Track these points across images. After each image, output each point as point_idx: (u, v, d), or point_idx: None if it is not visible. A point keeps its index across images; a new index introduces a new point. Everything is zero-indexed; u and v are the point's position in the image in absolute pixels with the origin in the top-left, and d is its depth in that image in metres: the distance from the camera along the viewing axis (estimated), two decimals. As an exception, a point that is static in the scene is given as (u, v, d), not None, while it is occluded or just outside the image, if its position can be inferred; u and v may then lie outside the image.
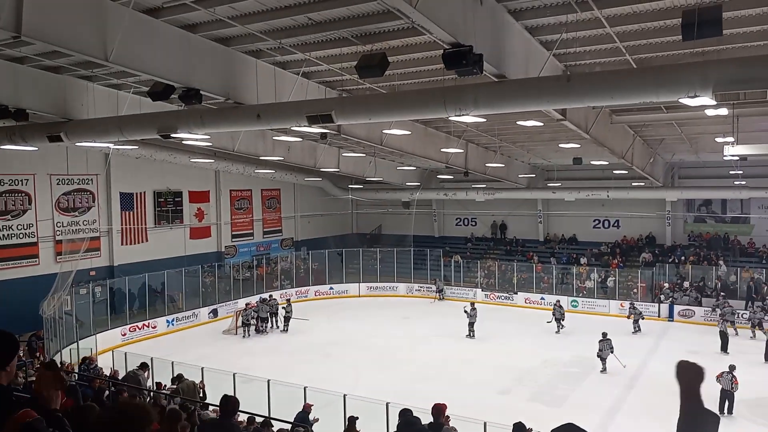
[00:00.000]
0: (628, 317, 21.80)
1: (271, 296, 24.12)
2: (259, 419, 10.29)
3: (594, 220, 31.39)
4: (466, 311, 21.44)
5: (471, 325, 21.29)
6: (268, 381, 13.21)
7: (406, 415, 8.89)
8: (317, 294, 29.36)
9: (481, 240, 34.63)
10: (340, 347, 20.28)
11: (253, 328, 22.32)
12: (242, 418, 10.32)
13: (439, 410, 7.18)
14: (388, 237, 36.09)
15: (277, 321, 22.63)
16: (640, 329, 21.19)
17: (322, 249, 31.52)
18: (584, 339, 20.89)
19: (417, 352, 19.57)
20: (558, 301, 22.73)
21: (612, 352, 17.63)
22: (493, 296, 27.86)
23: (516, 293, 27.65)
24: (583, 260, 29.35)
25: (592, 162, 23.85)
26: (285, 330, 21.65)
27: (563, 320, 21.76)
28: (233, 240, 30.11)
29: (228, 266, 28.42)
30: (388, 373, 17.42)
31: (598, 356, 17.56)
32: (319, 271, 31.23)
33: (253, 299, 25.90)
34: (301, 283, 29.97)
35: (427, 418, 8.59)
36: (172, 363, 14.42)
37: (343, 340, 21.11)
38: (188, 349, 19.85)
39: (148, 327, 22.11)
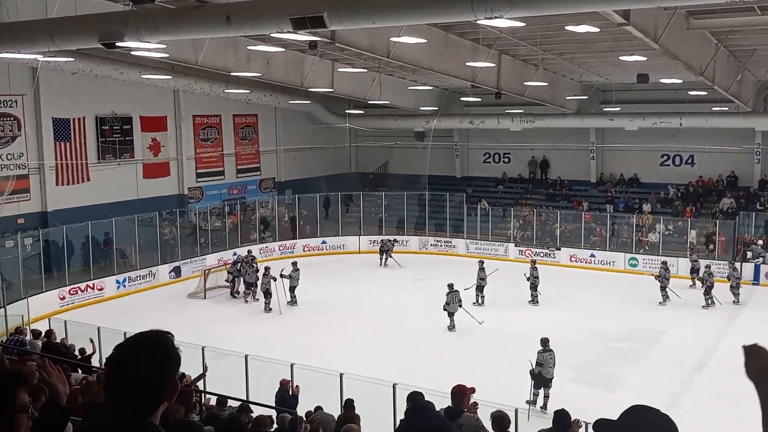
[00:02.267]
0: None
1: (249, 252, 24.35)
2: (234, 403, 10.56)
3: (662, 156, 31.24)
4: (525, 275, 21.58)
5: (533, 287, 21.59)
6: (246, 356, 13.49)
7: (416, 398, 9.08)
8: (306, 249, 29.67)
9: (515, 181, 34.63)
10: (335, 316, 20.59)
11: (235, 290, 22.78)
12: (212, 401, 10.60)
13: (460, 393, 7.31)
14: (396, 178, 36.16)
15: (255, 289, 22.63)
16: (713, 301, 21.04)
17: (311, 192, 31.63)
18: (644, 308, 21.22)
19: (431, 321, 19.83)
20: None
21: (461, 306, 18.53)
22: (530, 253, 28.07)
23: (559, 249, 27.84)
24: (646, 207, 29.42)
25: (662, 80, 23.51)
26: (293, 302, 21.65)
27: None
28: (199, 180, 30.22)
29: (193, 213, 28.58)
30: (395, 347, 17.75)
31: (445, 310, 18.69)
32: (308, 220, 31.45)
33: (225, 256, 26.21)
34: (286, 235, 30.24)
35: (442, 403, 8.82)
36: (125, 334, 14.71)
37: (338, 306, 21.44)
38: (144, 317, 20.19)
39: (92, 289, 22.44)
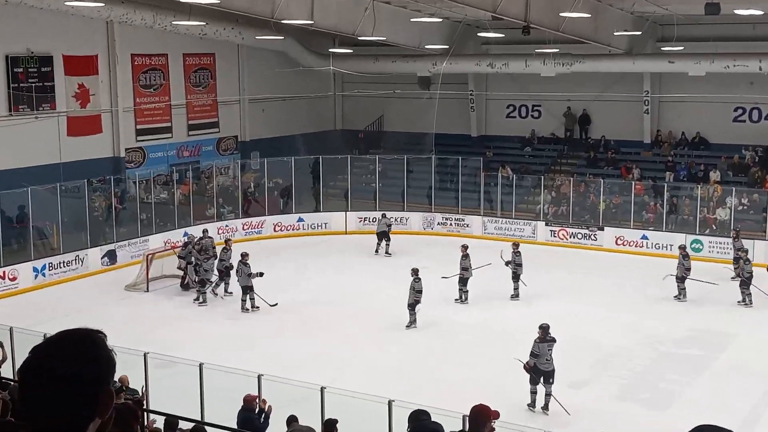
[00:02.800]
0: (735, 266, 21.92)
1: (205, 232, 24.28)
2: (185, 424, 10.54)
3: (735, 110, 31.13)
4: (503, 258, 21.86)
5: (515, 277, 21.75)
6: (201, 365, 13.49)
7: (420, 419, 9.08)
8: (278, 229, 29.63)
9: (547, 142, 34.53)
10: (316, 314, 20.60)
11: (187, 280, 22.81)
12: (159, 423, 10.57)
13: (481, 416, 7.22)
14: (393, 137, 36.05)
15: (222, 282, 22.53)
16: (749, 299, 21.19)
17: (285, 156, 31.48)
18: (709, 306, 21.24)
19: (437, 320, 19.92)
20: (682, 247, 22.62)
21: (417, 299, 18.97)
22: (565, 233, 27.99)
23: (602, 229, 27.81)
24: (714, 175, 29.40)
25: (737, 11, 23.30)
26: (218, 295, 22.11)
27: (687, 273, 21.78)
28: (139, 139, 30.08)
29: (131, 182, 28.43)
30: (392, 355, 17.82)
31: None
32: (280, 191, 31.35)
33: (174, 237, 26.13)
34: (252, 210, 30.13)
35: (452, 425, 8.77)
36: (44, 336, 14.63)
37: (320, 302, 21.43)
38: (69, 314, 20.11)
39: (2, 279, 22.40)
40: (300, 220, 30.14)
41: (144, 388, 13.05)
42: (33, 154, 25.91)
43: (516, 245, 22.44)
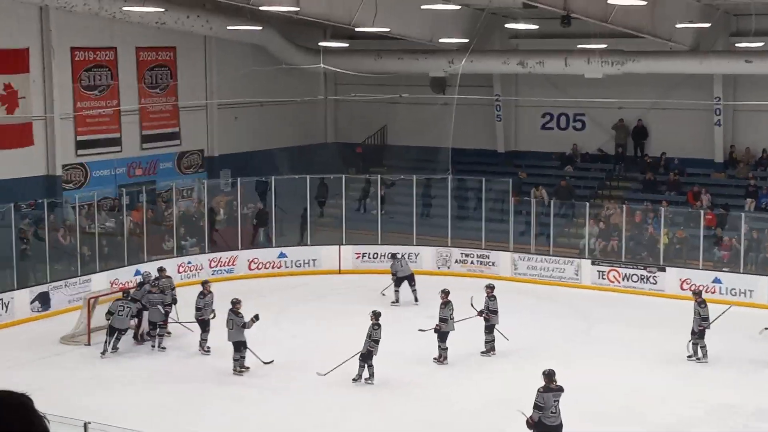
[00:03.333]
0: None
1: (162, 271, 24.34)
2: None
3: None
4: (474, 306, 22.08)
5: (489, 329, 21.95)
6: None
7: None
8: (254, 266, 29.68)
9: (593, 160, 34.56)
10: (300, 373, 20.68)
11: (116, 339, 22.67)
12: None
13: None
14: (400, 153, 36.15)
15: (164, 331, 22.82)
16: None
17: (263, 175, 31.60)
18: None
19: (454, 383, 19.99)
20: (697, 293, 22.52)
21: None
22: (616, 275, 28.04)
23: (663, 269, 27.82)
24: (802, 204, 29.52)
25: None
26: (206, 350, 22.27)
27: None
28: (80, 153, 30.23)
29: (70, 207, 28.44)
30: (394, 423, 17.85)
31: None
32: (254, 216, 31.36)
33: (123, 277, 26.13)
34: (222, 243, 30.19)
35: None
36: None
37: (305, 359, 21.45)
38: (-9, 372, 20.18)
39: None
40: (282, 255, 30.12)
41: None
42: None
43: (491, 288, 22.61)
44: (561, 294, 27.21)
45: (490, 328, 21.96)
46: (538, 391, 15.22)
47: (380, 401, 19.43)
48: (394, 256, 27.57)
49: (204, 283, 23.03)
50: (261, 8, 24.28)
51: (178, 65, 33.07)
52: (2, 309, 24.09)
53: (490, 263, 29.82)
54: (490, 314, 21.96)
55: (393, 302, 26.27)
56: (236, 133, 34.84)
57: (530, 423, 15.09)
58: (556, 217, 30.38)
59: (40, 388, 18.08)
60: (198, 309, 22.21)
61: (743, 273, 27.06)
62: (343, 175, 32.61)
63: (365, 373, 19.94)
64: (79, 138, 30.13)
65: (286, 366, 21.36)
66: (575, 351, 21.80)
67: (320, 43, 33.01)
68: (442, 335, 21.57)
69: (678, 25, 28.05)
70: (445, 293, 22.17)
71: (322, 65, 32.42)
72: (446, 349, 21.53)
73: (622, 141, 34.30)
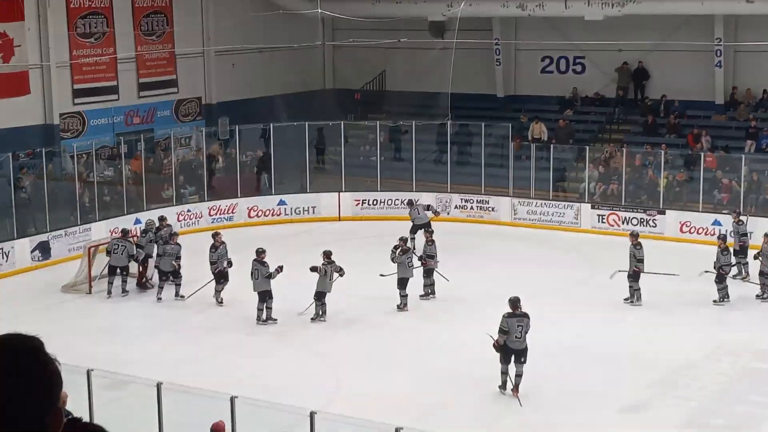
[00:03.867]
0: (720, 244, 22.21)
1: (163, 220, 24.29)
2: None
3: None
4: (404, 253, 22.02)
5: (428, 273, 22.09)
6: (158, 385, 13.51)
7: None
8: (254, 214, 29.70)
9: (593, 103, 34.44)
10: (302, 322, 20.75)
11: (123, 281, 22.79)
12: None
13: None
14: (398, 98, 35.99)
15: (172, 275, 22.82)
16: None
17: (262, 122, 31.48)
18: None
19: (453, 329, 20.04)
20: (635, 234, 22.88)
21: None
22: (616, 218, 28.05)
23: (663, 212, 27.83)
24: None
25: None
26: (219, 302, 22.10)
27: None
28: (77, 102, 30.12)
29: (68, 156, 28.39)
30: (400, 373, 17.92)
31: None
32: (256, 164, 31.32)
33: (122, 225, 26.17)
34: (221, 191, 30.12)
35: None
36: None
37: (306, 308, 21.45)
38: (-7, 321, 20.22)
39: None
40: (281, 203, 30.15)
41: (88, 414, 13.07)
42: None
43: (429, 232, 22.88)
44: (561, 238, 27.18)
45: (429, 272, 22.16)
46: (503, 316, 16.46)
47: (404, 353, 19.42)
48: (411, 202, 27.29)
49: (215, 235, 22.67)
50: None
51: (175, 12, 32.82)
52: (2, 258, 24.21)
53: (490, 208, 29.87)
54: (427, 259, 22.10)
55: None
56: (234, 80, 34.61)
57: (496, 345, 16.41)
58: (555, 160, 30.30)
59: (43, 336, 18.13)
60: (212, 262, 21.99)
61: (743, 215, 27.01)
62: (342, 122, 32.50)
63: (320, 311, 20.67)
64: (75, 86, 30.01)
65: (312, 310, 21.43)
66: (576, 295, 21.83)
67: (318, -12, 32.72)
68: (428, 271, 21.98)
69: (679, -35, 27.76)
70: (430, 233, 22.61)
71: (319, 10, 32.09)
72: (406, 295, 21.59)
73: (624, 84, 34.06)
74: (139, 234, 24.01)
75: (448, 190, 30.55)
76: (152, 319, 21.33)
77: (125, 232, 23.54)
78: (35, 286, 23.31)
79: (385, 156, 32.47)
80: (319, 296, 20.58)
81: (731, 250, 22.42)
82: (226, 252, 22.04)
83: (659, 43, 32.60)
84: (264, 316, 20.66)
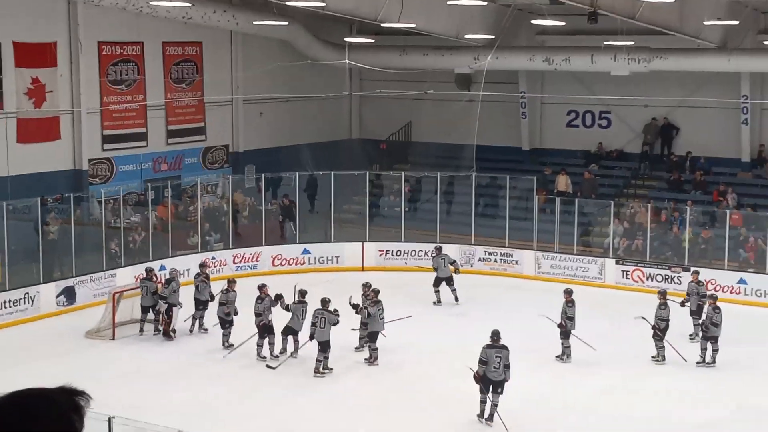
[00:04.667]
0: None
1: (203, 266, 24.44)
2: None
3: None
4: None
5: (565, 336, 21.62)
6: (178, 434, 13.54)
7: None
8: (277, 262, 29.72)
9: (619, 158, 34.45)
10: (327, 372, 20.68)
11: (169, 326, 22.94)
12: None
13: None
14: (425, 149, 36.06)
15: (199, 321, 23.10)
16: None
17: (288, 171, 31.60)
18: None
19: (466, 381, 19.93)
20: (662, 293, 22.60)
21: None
22: (640, 275, 27.87)
23: (688, 269, 27.63)
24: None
25: None
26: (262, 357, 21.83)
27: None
28: (107, 148, 30.31)
29: (96, 202, 28.53)
30: (421, 421, 17.89)
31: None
32: (282, 211, 31.35)
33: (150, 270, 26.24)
34: (245, 239, 30.22)
35: None
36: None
37: (334, 358, 21.35)
38: (15, 365, 20.24)
39: (-66, 320, 22.51)
40: (305, 252, 30.12)
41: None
42: (-27, 165, 26.15)
43: (568, 293, 22.18)
44: (585, 293, 27.07)
45: (566, 334, 21.63)
46: (483, 347, 17.40)
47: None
48: (439, 249, 27.01)
49: (230, 282, 22.67)
50: (287, 3, 24.29)
51: (204, 60, 33.15)
52: (28, 303, 24.18)
53: (514, 261, 29.73)
54: (566, 321, 21.57)
55: (434, 302, 26.21)
56: (261, 128, 34.88)
57: (476, 377, 17.32)
58: (580, 214, 30.23)
59: (65, 382, 18.18)
60: (221, 304, 22.09)
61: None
62: (367, 172, 32.58)
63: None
64: (105, 132, 30.22)
65: (343, 360, 21.43)
66: (600, 351, 21.66)
67: (346, 39, 32.97)
68: (564, 335, 21.45)
69: (706, 23, 27.87)
70: (568, 293, 21.97)
71: (347, 61, 32.37)
72: (376, 349, 21.27)
73: (651, 140, 34.08)
74: (163, 282, 23.92)
75: (472, 242, 30.47)
76: (174, 366, 21.25)
77: (148, 271, 23.77)
78: (59, 331, 23.27)
79: (410, 206, 32.50)
80: (373, 337, 20.79)
81: (687, 309, 22.47)
82: (270, 304, 21.68)
83: (685, 99, 32.68)
84: (322, 368, 20.40)
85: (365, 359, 21.27)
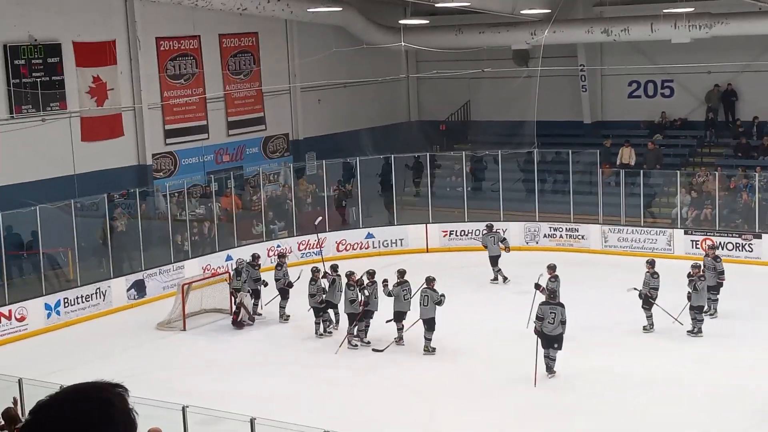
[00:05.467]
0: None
1: (255, 257, 24.55)
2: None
3: None
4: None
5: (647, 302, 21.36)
6: (252, 420, 13.63)
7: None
8: (342, 247, 29.85)
9: (683, 127, 34.08)
10: (393, 357, 20.77)
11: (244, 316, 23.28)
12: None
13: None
14: (484, 128, 35.94)
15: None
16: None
17: (348, 156, 31.66)
18: None
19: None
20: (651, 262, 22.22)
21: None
22: (710, 244, 27.53)
23: (759, 236, 27.28)
24: None
25: None
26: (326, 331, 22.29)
27: None
28: (169, 142, 30.59)
29: (161, 195, 28.83)
30: (501, 410, 17.87)
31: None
32: (337, 196, 31.53)
33: (214, 262, 26.43)
34: (309, 226, 30.28)
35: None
36: (61, 389, 14.89)
37: (400, 340, 21.46)
38: (92, 360, 20.56)
39: (8, 319, 22.78)
40: (369, 236, 30.21)
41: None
42: (40, 164, 26.42)
43: (650, 264, 22.00)
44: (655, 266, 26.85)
45: (649, 305, 21.55)
46: (540, 304, 18.74)
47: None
48: (490, 227, 26.88)
49: (281, 256, 24.17)
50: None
51: (261, 50, 33.22)
52: (100, 298, 24.55)
53: (580, 236, 29.57)
54: (651, 291, 21.47)
55: (491, 280, 26.21)
56: (320, 115, 34.96)
57: (536, 330, 18.48)
58: (645, 186, 29.91)
59: (140, 374, 18.54)
60: (277, 279, 23.10)
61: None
62: (428, 153, 32.60)
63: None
64: (167, 127, 30.48)
65: (412, 347, 21.29)
66: (678, 325, 21.44)
67: (400, 21, 32.86)
68: (647, 302, 21.39)
69: (768, -15, 27.36)
70: (651, 263, 21.89)
71: (403, 43, 32.31)
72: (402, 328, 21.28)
73: (714, 107, 33.58)
74: (233, 275, 24.02)
75: (536, 219, 30.32)
76: (246, 355, 21.42)
77: (253, 257, 24.34)
78: (131, 324, 23.66)
79: (472, 186, 32.43)
80: (399, 317, 20.84)
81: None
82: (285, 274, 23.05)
83: (749, 63, 32.17)
84: (431, 347, 20.59)
85: (394, 339, 21.20)
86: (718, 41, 30.59)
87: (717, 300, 22.17)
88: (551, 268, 22.02)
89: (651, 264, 21.79)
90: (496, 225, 28.03)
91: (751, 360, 19.51)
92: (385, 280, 21.39)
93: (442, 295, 20.54)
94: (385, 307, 21.27)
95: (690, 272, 21.15)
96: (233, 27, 31.91)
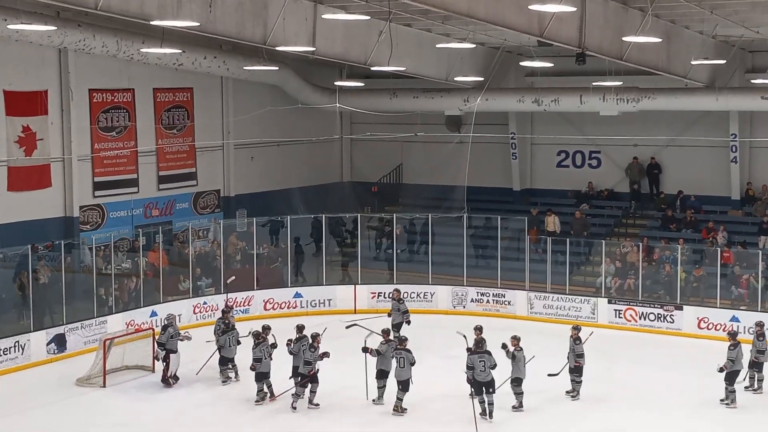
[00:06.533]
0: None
1: (228, 307, 24.48)
2: None
3: None
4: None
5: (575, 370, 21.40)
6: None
7: None
8: (269, 306, 29.70)
9: (609, 198, 34.52)
10: (318, 416, 20.53)
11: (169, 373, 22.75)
12: None
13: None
14: (414, 191, 36.12)
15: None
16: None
17: (279, 215, 31.59)
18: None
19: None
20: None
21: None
22: (633, 314, 27.94)
23: (681, 308, 27.63)
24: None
25: None
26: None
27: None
28: (98, 194, 30.31)
29: (87, 249, 28.44)
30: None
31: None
32: (274, 259, 31.40)
33: (138, 318, 26.05)
34: (238, 283, 30.06)
35: None
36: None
37: (332, 404, 21.27)
38: (8, 414, 20.15)
39: (-76, 370, 22.33)
40: (297, 295, 30.08)
41: None
42: (-36, 213, 26.06)
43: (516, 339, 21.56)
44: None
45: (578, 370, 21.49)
46: (468, 355, 19.59)
47: None
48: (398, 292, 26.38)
49: (263, 329, 21.86)
50: (277, 49, 24.29)
51: (195, 106, 33.23)
52: (18, 351, 24.04)
53: (506, 302, 29.69)
54: (576, 358, 21.40)
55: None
56: (253, 172, 34.94)
57: (468, 379, 19.50)
58: (572, 254, 30.21)
59: (56, 430, 18.05)
60: (256, 359, 21.15)
61: (761, 311, 26.61)
62: (358, 215, 32.59)
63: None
64: (96, 179, 30.19)
65: (335, 406, 21.22)
66: (598, 392, 21.55)
67: (336, 83, 33.12)
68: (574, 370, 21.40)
69: (693, 62, 27.96)
70: (576, 329, 21.77)
71: (338, 105, 32.42)
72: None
73: (638, 179, 34.24)
74: (160, 330, 23.54)
75: (464, 284, 30.42)
76: (166, 414, 21.04)
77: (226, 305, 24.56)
78: (50, 380, 23.09)
79: (401, 249, 32.45)
80: (382, 374, 20.76)
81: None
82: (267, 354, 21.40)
83: (675, 138, 32.87)
84: (402, 407, 20.30)
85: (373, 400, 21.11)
86: (645, 115, 31.29)
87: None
88: (516, 339, 21.19)
89: (576, 330, 21.87)
90: (426, 288, 28.53)
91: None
92: (289, 340, 21.19)
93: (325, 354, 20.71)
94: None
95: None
96: (168, 81, 31.85)
